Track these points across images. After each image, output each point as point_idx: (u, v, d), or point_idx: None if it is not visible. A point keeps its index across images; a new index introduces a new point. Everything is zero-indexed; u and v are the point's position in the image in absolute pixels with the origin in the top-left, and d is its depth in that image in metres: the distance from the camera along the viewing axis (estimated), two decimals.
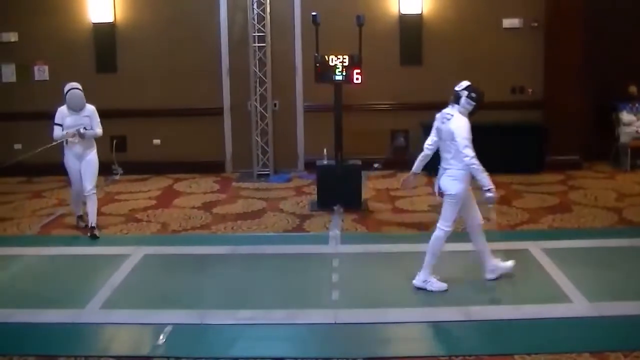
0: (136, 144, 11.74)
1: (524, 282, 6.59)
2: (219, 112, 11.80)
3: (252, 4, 11.17)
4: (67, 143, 8.25)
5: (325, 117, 10.09)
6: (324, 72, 9.22)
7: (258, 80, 11.33)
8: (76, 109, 8.19)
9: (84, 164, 8.28)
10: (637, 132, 11.28)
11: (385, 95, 11.67)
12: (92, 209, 8.23)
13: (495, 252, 6.73)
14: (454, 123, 6.31)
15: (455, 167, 6.34)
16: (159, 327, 5.71)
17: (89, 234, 8.17)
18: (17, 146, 11.83)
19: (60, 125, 8.22)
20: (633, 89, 11.38)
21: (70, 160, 8.33)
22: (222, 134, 11.87)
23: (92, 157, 8.34)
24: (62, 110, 8.30)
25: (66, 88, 8.29)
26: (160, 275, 7.01)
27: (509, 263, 6.68)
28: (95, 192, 8.30)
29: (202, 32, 11.61)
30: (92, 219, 8.20)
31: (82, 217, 8.60)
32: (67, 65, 11.60)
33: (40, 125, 11.60)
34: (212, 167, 11.68)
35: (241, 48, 11.47)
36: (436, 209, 6.73)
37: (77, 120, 8.22)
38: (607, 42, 11.27)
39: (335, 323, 5.85)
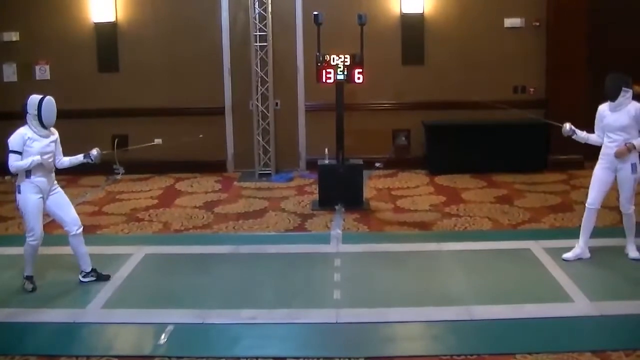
0: (138, 143, 11.71)
1: (526, 281, 6.59)
2: (221, 111, 11.80)
3: (254, 4, 11.16)
4: (28, 176, 6.39)
5: (327, 117, 10.09)
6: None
7: (260, 79, 11.32)
8: (50, 125, 6.43)
9: (56, 199, 6.61)
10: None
11: (387, 95, 11.67)
12: (84, 249, 6.75)
13: (497, 252, 6.73)
14: None
15: None
16: (160, 327, 5.71)
17: (92, 279, 6.76)
18: None
19: (19, 153, 6.28)
20: (637, 88, 11.34)
21: (31, 199, 6.43)
22: (224, 133, 11.87)
23: (60, 190, 6.71)
24: (23, 132, 6.33)
25: (34, 99, 6.35)
26: (162, 275, 7.01)
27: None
28: None
29: (204, 32, 11.61)
30: (88, 262, 6.78)
31: (32, 279, 6.69)
32: (68, 64, 11.63)
33: None
34: (214, 167, 11.68)
35: (243, 47, 11.48)
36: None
37: (45, 147, 6.38)
38: (609, 42, 11.25)
39: (336, 322, 5.84)
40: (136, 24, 11.63)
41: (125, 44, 11.65)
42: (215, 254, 7.55)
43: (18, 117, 10.53)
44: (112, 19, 11.56)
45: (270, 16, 11.24)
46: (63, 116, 11.37)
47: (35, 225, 6.47)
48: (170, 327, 5.70)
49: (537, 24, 11.47)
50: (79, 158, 6.84)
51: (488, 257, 7.25)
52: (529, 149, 11.19)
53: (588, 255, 7.06)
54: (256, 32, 11.23)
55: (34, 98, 6.37)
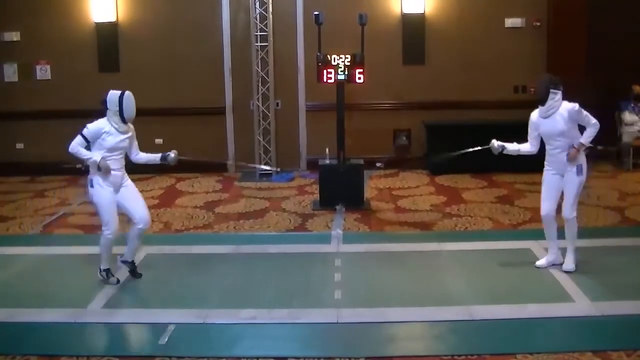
0: (139, 143, 11.72)
1: (526, 281, 6.58)
2: (222, 111, 11.81)
3: (255, 4, 11.17)
4: (99, 170, 6.38)
5: (328, 117, 10.10)
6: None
7: (260, 79, 11.33)
8: (131, 120, 6.53)
9: (126, 193, 6.59)
10: (639, 131, 11.27)
11: (388, 95, 11.69)
12: (136, 244, 6.77)
13: (498, 252, 6.73)
14: None
15: None
16: (161, 327, 5.70)
17: (128, 267, 6.78)
18: (19, 145, 11.91)
19: (87, 141, 6.36)
20: (638, 89, 11.36)
21: (105, 194, 6.43)
22: (225, 133, 11.88)
23: (131, 183, 6.73)
24: (102, 125, 6.39)
25: (114, 95, 6.40)
26: (163, 275, 7.01)
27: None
28: None
29: (205, 32, 11.62)
30: (133, 254, 6.80)
31: (109, 271, 6.69)
32: (69, 64, 11.65)
33: (42, 124, 11.72)
34: (215, 167, 11.69)
35: (243, 47, 11.49)
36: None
37: (119, 143, 6.47)
38: (609, 42, 11.25)
39: (337, 322, 5.84)
40: (137, 24, 11.64)
41: (126, 44, 11.66)
42: (215, 254, 7.55)
43: (20, 117, 10.56)
44: (112, 19, 11.58)
45: (271, 16, 11.25)
46: (63, 116, 11.59)
47: (110, 218, 6.48)
48: (171, 327, 5.69)
49: (538, 24, 11.48)
50: (157, 158, 6.92)
51: (489, 257, 7.24)
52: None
53: (562, 259, 6.79)
54: (257, 32, 11.24)
55: (114, 94, 6.42)
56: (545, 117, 6.58)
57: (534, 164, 11.05)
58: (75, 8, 11.61)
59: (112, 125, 6.40)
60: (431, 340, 5.61)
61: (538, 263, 6.86)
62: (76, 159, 6.53)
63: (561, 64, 11.26)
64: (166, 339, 5.51)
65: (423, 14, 11.51)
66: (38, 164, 11.63)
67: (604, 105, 11.42)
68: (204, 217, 9.10)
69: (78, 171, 11.38)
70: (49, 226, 8.90)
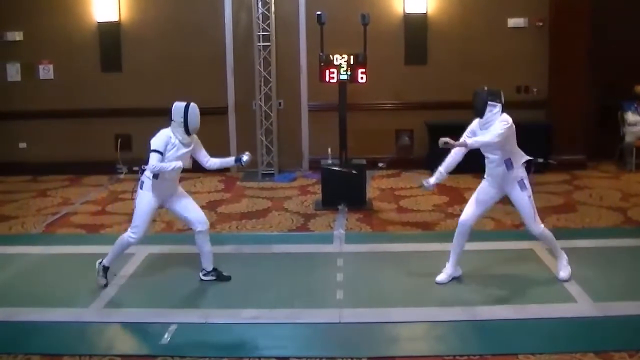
0: (141, 142, 11.72)
1: (529, 282, 6.57)
2: (224, 111, 11.81)
3: (257, 3, 11.17)
4: (156, 178, 6.42)
5: (330, 117, 10.09)
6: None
7: (263, 79, 11.33)
8: (195, 131, 6.45)
9: (178, 201, 6.63)
10: None
11: (390, 95, 11.68)
12: (208, 247, 6.74)
13: (500, 252, 6.72)
14: None
15: None
16: (163, 326, 5.71)
17: (212, 278, 6.73)
18: (22, 145, 11.91)
19: (162, 153, 6.29)
20: (639, 89, 11.35)
21: (147, 199, 6.44)
22: (227, 133, 11.87)
23: (182, 191, 6.77)
24: (169, 135, 6.35)
25: (179, 106, 6.34)
26: (165, 275, 7.01)
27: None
28: None
29: (207, 32, 11.62)
30: (210, 260, 6.77)
31: (107, 270, 6.65)
32: (72, 64, 11.65)
33: (44, 124, 11.73)
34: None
35: (246, 47, 11.49)
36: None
37: (180, 156, 6.38)
38: (612, 42, 11.24)
39: (339, 322, 5.84)
40: (139, 23, 11.64)
41: (128, 43, 11.66)
42: (218, 254, 7.50)
43: (23, 116, 10.53)
44: (115, 18, 11.57)
45: (273, 16, 11.25)
46: (66, 115, 11.60)
47: (141, 223, 6.45)
48: (173, 327, 5.70)
49: (541, 24, 11.46)
50: (230, 161, 6.88)
51: (491, 257, 7.24)
52: (531, 149, 11.10)
53: (460, 272, 6.61)
54: (259, 31, 11.24)
55: (179, 105, 6.35)
56: (482, 129, 6.29)
57: (536, 164, 11.15)
58: (77, 8, 11.61)
59: (176, 137, 6.35)
60: (433, 341, 5.61)
61: (438, 279, 6.56)
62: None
63: (564, 64, 11.28)
64: (168, 339, 5.53)
65: (425, 14, 11.50)
66: (41, 163, 11.64)
67: (607, 105, 11.46)
68: (207, 217, 9.08)
69: (81, 170, 11.45)
70: (51, 226, 8.90)
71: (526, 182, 6.39)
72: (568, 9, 11.18)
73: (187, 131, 6.36)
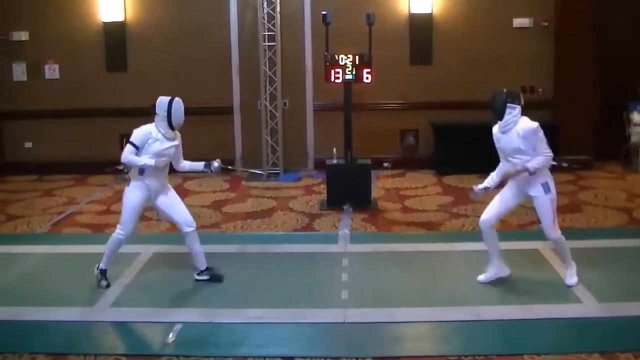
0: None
1: (534, 282, 6.57)
2: (229, 111, 11.82)
3: (262, 3, 11.17)
4: (142, 173, 6.44)
5: (335, 116, 10.09)
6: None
7: (268, 79, 11.34)
8: (178, 126, 6.51)
9: (166, 200, 6.58)
10: None
11: (395, 95, 11.67)
12: (198, 248, 6.68)
13: (505, 252, 6.70)
14: None
15: None
16: (168, 326, 5.72)
17: (206, 278, 6.71)
18: (28, 144, 11.94)
19: (137, 147, 6.32)
20: None
21: (135, 196, 6.45)
22: (232, 132, 11.89)
23: (171, 190, 6.71)
24: (150, 130, 6.41)
25: (163, 100, 6.47)
26: (170, 274, 7.02)
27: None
28: None
29: (213, 31, 11.63)
30: (202, 260, 6.72)
31: (105, 273, 6.65)
32: (77, 64, 11.68)
33: (50, 123, 11.75)
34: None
35: (251, 47, 11.49)
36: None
37: (164, 150, 6.42)
38: (617, 42, 11.21)
39: (344, 322, 5.85)
40: (145, 23, 11.65)
41: (133, 43, 11.68)
42: (223, 253, 7.55)
43: (29, 116, 10.52)
44: (120, 18, 11.59)
45: (278, 16, 11.25)
46: (72, 115, 11.62)
47: (128, 220, 6.49)
48: (177, 326, 5.71)
49: (546, 24, 11.44)
50: (200, 166, 6.86)
51: None
52: None
53: (507, 272, 6.55)
54: (264, 31, 11.25)
55: (163, 99, 6.44)
56: (503, 133, 6.19)
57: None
58: (83, 8, 11.63)
59: (159, 130, 6.39)
60: (438, 341, 5.61)
61: (480, 278, 6.54)
62: (133, 170, 6.46)
63: (569, 64, 11.25)
64: (173, 338, 5.53)
65: (430, 14, 11.49)
66: (46, 163, 11.67)
67: (612, 105, 11.43)
68: (212, 217, 9.12)
69: (86, 170, 11.47)
70: (57, 225, 8.92)
71: (551, 184, 6.24)
72: (573, 9, 11.16)
73: (171, 126, 6.41)
